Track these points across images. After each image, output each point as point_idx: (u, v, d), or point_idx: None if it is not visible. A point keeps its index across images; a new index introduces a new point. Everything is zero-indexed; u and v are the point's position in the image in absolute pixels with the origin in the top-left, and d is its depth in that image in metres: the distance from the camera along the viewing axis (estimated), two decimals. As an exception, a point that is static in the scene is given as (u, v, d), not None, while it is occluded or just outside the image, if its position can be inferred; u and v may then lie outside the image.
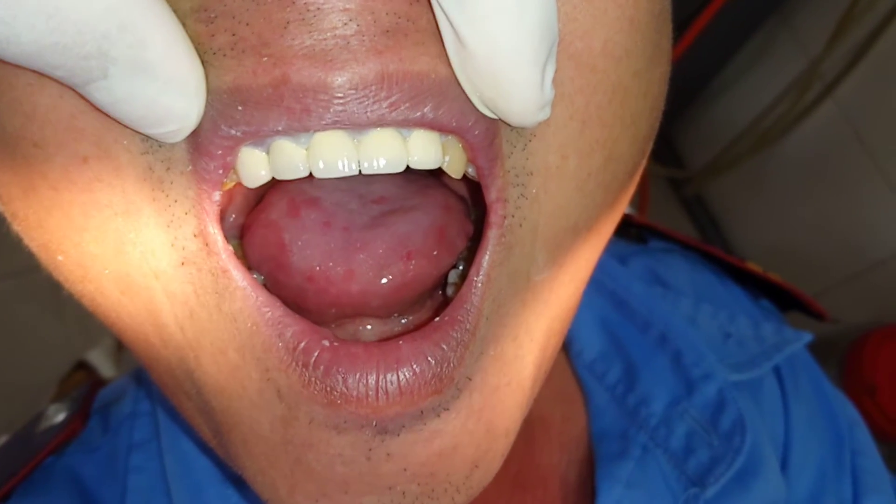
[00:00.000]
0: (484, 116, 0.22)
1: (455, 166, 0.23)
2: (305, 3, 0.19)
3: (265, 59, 0.19)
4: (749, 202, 1.87)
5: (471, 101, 0.21)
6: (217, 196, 0.22)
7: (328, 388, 0.22)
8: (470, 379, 0.24)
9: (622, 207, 0.29)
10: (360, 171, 0.22)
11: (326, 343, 0.22)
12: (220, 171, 0.21)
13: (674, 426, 0.45)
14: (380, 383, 0.22)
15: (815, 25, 1.58)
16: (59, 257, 0.24)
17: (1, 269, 1.50)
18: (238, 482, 0.39)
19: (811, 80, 1.59)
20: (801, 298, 0.59)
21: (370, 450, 0.23)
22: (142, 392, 0.45)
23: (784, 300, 0.61)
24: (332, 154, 0.21)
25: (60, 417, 0.44)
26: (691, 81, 1.78)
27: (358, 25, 0.19)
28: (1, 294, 1.52)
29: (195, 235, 0.22)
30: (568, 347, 0.50)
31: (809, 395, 0.54)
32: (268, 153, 0.22)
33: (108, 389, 0.48)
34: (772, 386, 0.52)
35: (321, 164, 0.22)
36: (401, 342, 0.23)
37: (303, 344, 0.22)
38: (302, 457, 0.23)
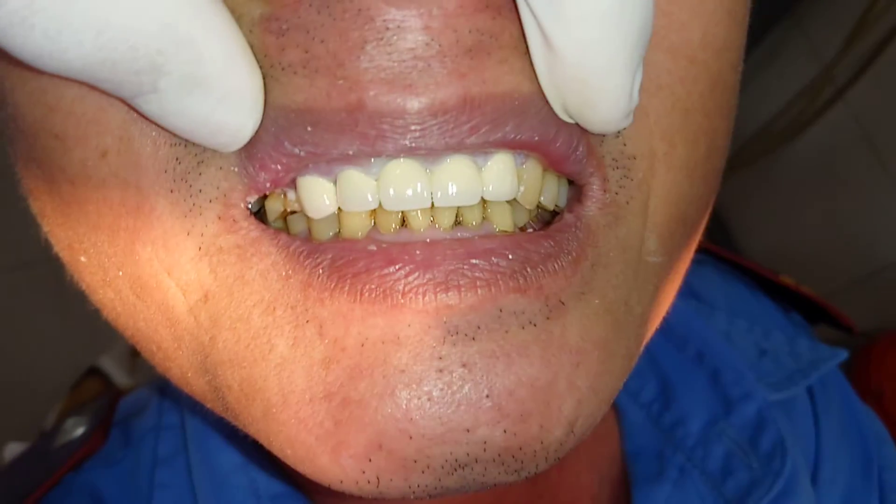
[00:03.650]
0: (565, 124, 0.20)
1: (529, 196, 0.22)
2: (385, 21, 0.18)
3: (340, 81, 0.18)
4: (758, 204, 1.86)
5: (552, 112, 0.20)
6: (253, 199, 0.20)
7: (385, 292, 0.19)
8: (563, 304, 0.20)
9: (710, 210, 0.27)
10: (432, 202, 0.21)
11: (373, 248, 0.20)
12: (269, 185, 0.20)
13: (711, 447, 0.44)
14: (449, 276, 0.19)
15: (828, 30, 1.57)
16: (82, 258, 0.23)
17: (5, 262, 1.48)
18: (277, 499, 0.38)
19: (823, 84, 1.58)
20: (831, 312, 0.58)
21: (440, 359, 0.19)
22: (167, 404, 0.43)
23: (811, 312, 0.60)
24: (402, 184, 0.20)
25: (80, 431, 0.43)
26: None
27: (440, 45, 0.18)
28: (6, 287, 1.51)
29: (219, 218, 0.20)
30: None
31: (839, 411, 0.53)
32: (335, 183, 0.21)
33: (128, 401, 0.47)
34: (804, 403, 0.51)
35: (391, 192, 0.20)
36: (475, 237, 0.20)
37: (346, 257, 0.19)
38: (350, 395, 0.19)
